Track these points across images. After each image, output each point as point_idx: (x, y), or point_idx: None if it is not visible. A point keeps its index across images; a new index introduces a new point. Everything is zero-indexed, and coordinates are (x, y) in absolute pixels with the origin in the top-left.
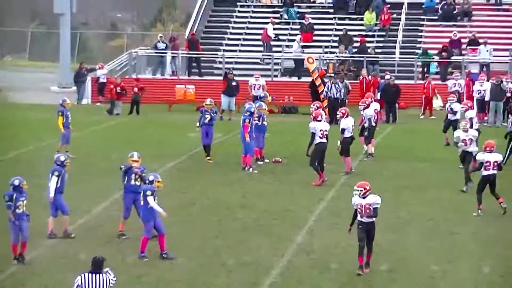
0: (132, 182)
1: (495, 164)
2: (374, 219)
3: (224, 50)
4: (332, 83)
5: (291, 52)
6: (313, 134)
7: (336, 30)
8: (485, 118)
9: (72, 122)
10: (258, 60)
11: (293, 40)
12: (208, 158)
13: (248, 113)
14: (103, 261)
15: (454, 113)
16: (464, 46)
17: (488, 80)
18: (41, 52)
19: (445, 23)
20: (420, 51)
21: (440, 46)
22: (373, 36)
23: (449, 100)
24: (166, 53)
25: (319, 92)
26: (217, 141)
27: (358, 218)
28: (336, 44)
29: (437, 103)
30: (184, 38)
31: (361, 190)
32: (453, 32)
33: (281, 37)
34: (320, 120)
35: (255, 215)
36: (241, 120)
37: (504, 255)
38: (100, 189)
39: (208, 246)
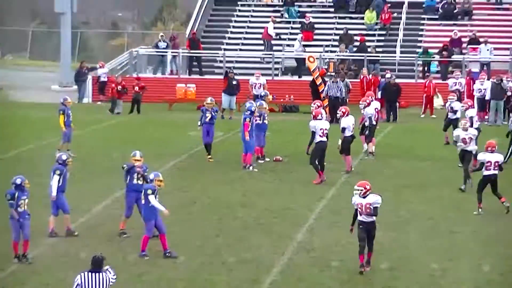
0: (135, 181)
1: (496, 164)
2: (374, 218)
3: (225, 49)
4: (333, 82)
5: (293, 51)
6: (313, 133)
7: (337, 29)
8: (486, 117)
9: (73, 121)
10: (259, 59)
11: (294, 39)
12: (209, 157)
13: (249, 111)
14: (103, 260)
15: (455, 112)
16: (464, 45)
17: (488, 79)
18: (42, 51)
19: (445, 22)
20: (420, 50)
21: (440, 45)
22: (373, 35)
23: (449, 99)
24: (166, 52)
25: (320, 91)
26: (218, 140)
27: (359, 217)
28: (336, 43)
29: (437, 102)
30: (184, 37)
31: (361, 190)
32: (453, 31)
33: (281, 36)
34: (320, 119)
35: (256, 213)
36: (242, 119)
37: (504, 253)
38: (101, 188)
39: (209, 245)
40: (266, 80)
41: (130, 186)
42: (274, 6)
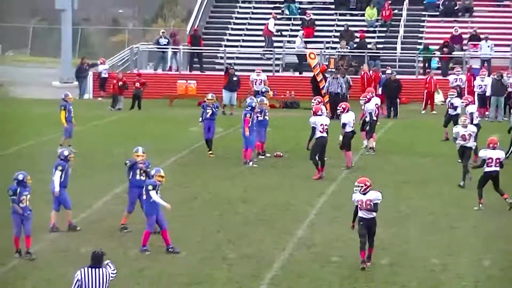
0: (137, 177)
1: (498, 161)
2: (374, 214)
3: (226, 46)
4: (333, 78)
5: (294, 48)
6: (314, 129)
7: (338, 25)
8: (486, 113)
9: (74, 117)
10: (260, 55)
11: (295, 36)
12: (210, 152)
13: (249, 107)
14: (103, 255)
15: (455, 108)
16: (465, 41)
17: (489, 75)
18: (43, 47)
19: (446, 19)
20: (421, 47)
21: (441, 41)
22: (374, 31)
23: (449, 95)
24: (167, 48)
25: (321, 87)
26: (218, 135)
27: (359, 213)
28: (337, 39)
29: (438, 98)
30: (185, 34)
31: (361, 186)
32: (454, 27)
33: (283, 33)
34: (320, 115)
35: (257, 209)
36: (242, 115)
37: (504, 249)
38: (102, 183)
39: (210, 240)
40: (267, 76)
41: (133, 182)
42: (275, 2)
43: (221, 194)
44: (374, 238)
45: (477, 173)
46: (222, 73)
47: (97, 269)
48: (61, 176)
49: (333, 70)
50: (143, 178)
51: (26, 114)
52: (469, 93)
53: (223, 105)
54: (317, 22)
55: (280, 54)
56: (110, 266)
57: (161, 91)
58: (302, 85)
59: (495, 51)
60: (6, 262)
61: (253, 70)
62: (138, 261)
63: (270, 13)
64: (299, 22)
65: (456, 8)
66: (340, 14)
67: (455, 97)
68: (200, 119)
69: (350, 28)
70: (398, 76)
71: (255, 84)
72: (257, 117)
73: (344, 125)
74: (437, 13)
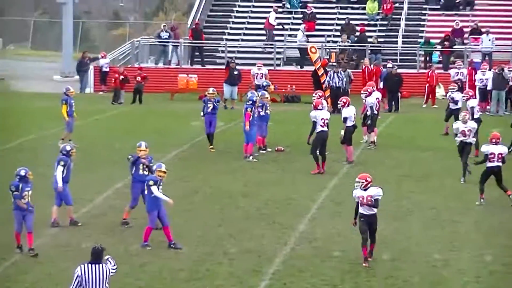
0: (140, 172)
1: (500, 156)
2: (375, 210)
3: (227, 39)
4: (334, 72)
5: (295, 41)
6: (314, 123)
7: (339, 19)
8: (487, 107)
9: (75, 111)
10: (261, 49)
11: (296, 30)
12: (211, 147)
13: (250, 101)
14: (102, 251)
15: (455, 102)
16: (466, 35)
17: (490, 69)
18: (44, 41)
19: (447, 12)
20: (422, 40)
21: (442, 35)
22: (375, 25)
23: (450, 89)
24: (168, 42)
25: (322, 82)
26: (219, 130)
27: (360, 210)
28: (338, 33)
29: (439, 92)
30: (186, 27)
31: (362, 182)
32: (455, 21)
33: (284, 26)
34: (321, 109)
35: (258, 203)
36: (243, 109)
37: (506, 244)
38: (103, 178)
39: (211, 235)
40: (268, 70)
41: (136, 177)
42: None
43: (222, 189)
44: (376, 234)
45: (477, 168)
46: (223, 67)
47: (97, 265)
48: (63, 171)
49: (334, 64)
50: (146, 173)
51: (27, 108)
52: (470, 87)
53: (224, 99)
54: (318, 16)
55: (281, 48)
56: (110, 262)
57: (162, 85)
58: (303, 79)
59: (496, 45)
60: (7, 257)
61: (254, 64)
62: (139, 257)
63: (271, 7)
64: (300, 16)
65: (457, 1)
66: (341, 8)
67: (456, 91)
68: (202, 114)
69: (351, 22)
70: (399, 70)
71: (256, 78)
72: (259, 112)
73: (345, 119)
74: (438, 7)
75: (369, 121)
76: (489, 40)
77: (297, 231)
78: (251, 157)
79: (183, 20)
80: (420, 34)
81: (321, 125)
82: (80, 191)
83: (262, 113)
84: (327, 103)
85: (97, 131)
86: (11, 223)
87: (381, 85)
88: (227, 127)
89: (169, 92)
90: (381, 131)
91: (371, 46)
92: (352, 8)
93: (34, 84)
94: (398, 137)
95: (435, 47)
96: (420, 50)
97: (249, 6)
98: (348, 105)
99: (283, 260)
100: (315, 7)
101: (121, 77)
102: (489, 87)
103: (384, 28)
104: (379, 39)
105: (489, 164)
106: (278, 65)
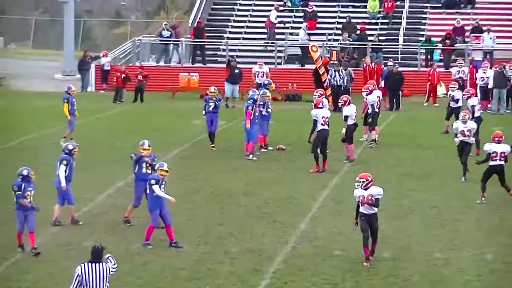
0: (144, 170)
1: (502, 154)
2: (375, 210)
3: (228, 38)
4: (335, 70)
5: (296, 40)
6: (315, 121)
7: (340, 17)
8: (489, 105)
9: (77, 110)
10: (262, 48)
11: (297, 28)
12: (212, 145)
13: (251, 100)
14: (102, 250)
15: (456, 101)
16: (467, 33)
17: (491, 68)
18: (45, 40)
19: (448, 11)
20: (423, 39)
21: (443, 33)
22: (376, 23)
23: (450, 87)
24: (169, 41)
25: (323, 80)
26: (220, 128)
27: (360, 209)
28: (339, 31)
29: (440, 90)
30: (188, 26)
31: (363, 182)
32: (456, 19)
33: (286, 24)
34: (321, 107)
35: (259, 202)
36: (244, 107)
37: (507, 242)
38: (104, 177)
39: (212, 234)
40: (269, 68)
41: (139, 176)
42: None
43: (223, 187)
44: (377, 234)
45: (479, 167)
46: (224, 65)
47: (97, 264)
48: (65, 170)
49: (335, 62)
50: (149, 171)
51: (28, 107)
52: (471, 85)
53: (226, 98)
54: (319, 14)
55: (282, 46)
56: (110, 261)
57: (164, 84)
58: (304, 77)
59: (498, 43)
60: (8, 256)
61: (255, 63)
62: (140, 255)
63: (272, 5)
64: (301, 14)
65: (458, 0)
66: (342, 6)
67: (456, 89)
68: (203, 112)
69: (352, 20)
70: (400, 69)
71: (257, 77)
72: (261, 111)
73: (346, 117)
74: (439, 5)
75: (370, 119)
76: (490, 38)
77: (298, 230)
78: (251, 156)
79: (184, 18)
80: (421, 33)
81: (321, 124)
82: (81, 190)
83: (264, 112)
84: (328, 102)
85: (98, 130)
86: (12, 223)
87: (382, 83)
88: (228, 126)
89: (171, 90)
90: (382, 130)
91: (372, 45)
92: (353, 6)
93: (35, 83)
94: (399, 136)
95: (436, 46)
96: (421, 48)
97: (250, 5)
98: (348, 104)
99: (284, 259)
100: (316, 6)
101: (123, 75)
102: (490, 86)
103: (385, 26)
104: (380, 38)
105: (492, 163)
106: (279, 63)
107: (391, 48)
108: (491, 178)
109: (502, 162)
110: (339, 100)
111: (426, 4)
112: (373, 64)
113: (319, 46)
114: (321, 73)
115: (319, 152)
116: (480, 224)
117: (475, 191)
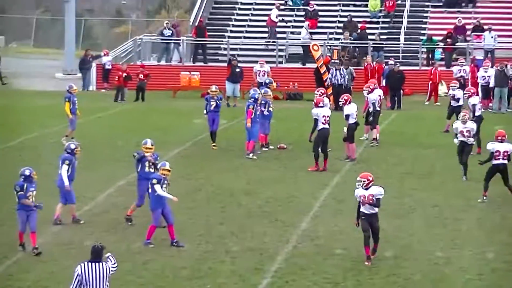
0: (146, 169)
1: (505, 154)
2: (376, 210)
3: (229, 37)
4: (336, 69)
5: (297, 39)
6: (316, 120)
7: (341, 16)
8: (490, 104)
9: (78, 109)
10: (263, 47)
11: (298, 27)
12: (213, 144)
13: (252, 99)
14: (102, 249)
15: (457, 99)
16: (468, 32)
17: (492, 67)
18: (46, 39)
19: (449, 10)
20: (424, 38)
21: (444, 32)
22: (377, 22)
23: (451, 86)
24: (170, 40)
25: (324, 79)
26: (222, 127)
27: (361, 209)
28: (340, 30)
29: (441, 89)
30: (189, 25)
31: (364, 181)
32: (457, 18)
33: (287, 23)
34: (322, 106)
35: (260, 201)
36: (246, 106)
37: (508, 241)
38: (105, 176)
39: (213, 233)
40: (270, 67)
41: (142, 175)
42: None
43: (224, 186)
44: (379, 233)
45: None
46: (225, 64)
47: (97, 264)
48: (68, 170)
49: (336, 61)
50: (152, 170)
51: (29, 106)
52: (473, 84)
53: (227, 97)
54: (320, 13)
55: (284, 45)
56: (110, 260)
57: (165, 83)
58: (305, 76)
59: (499, 42)
60: (10, 255)
61: (256, 62)
62: (141, 254)
63: (273, 4)
64: (303, 13)
65: None
66: (344, 5)
67: (457, 88)
68: (205, 111)
69: (353, 19)
70: (401, 68)
71: (259, 76)
72: (262, 110)
73: (347, 116)
74: (441, 4)
75: (371, 118)
76: (492, 37)
77: (299, 229)
78: (251, 155)
79: (185, 17)
80: (423, 31)
81: (322, 123)
82: (82, 189)
83: (265, 112)
84: (329, 101)
85: (100, 129)
86: (13, 222)
87: (383, 82)
88: (229, 125)
89: (172, 89)
90: (383, 129)
91: (373, 43)
92: (355, 5)
93: (36, 82)
94: (401, 135)
95: (438, 44)
96: (423, 47)
97: (251, 4)
98: (349, 103)
99: (285, 258)
100: (317, 5)
101: (124, 74)
102: (491, 84)
103: (387, 25)
104: (382, 36)
105: (495, 162)
106: (281, 62)
107: (392, 47)
108: (493, 177)
109: (505, 161)
110: (340, 99)
111: (427, 3)
112: (374, 63)
113: (320, 45)
114: (322, 72)
115: (320, 151)
116: (482, 223)
117: (476, 190)
